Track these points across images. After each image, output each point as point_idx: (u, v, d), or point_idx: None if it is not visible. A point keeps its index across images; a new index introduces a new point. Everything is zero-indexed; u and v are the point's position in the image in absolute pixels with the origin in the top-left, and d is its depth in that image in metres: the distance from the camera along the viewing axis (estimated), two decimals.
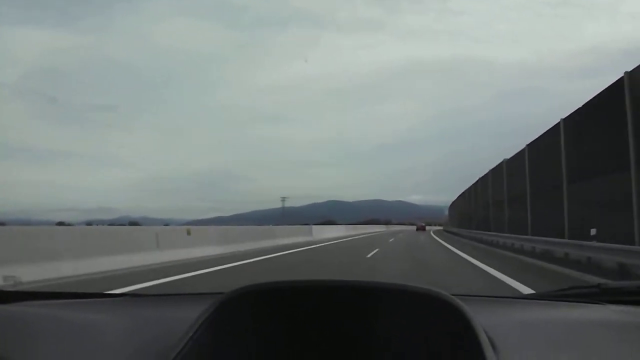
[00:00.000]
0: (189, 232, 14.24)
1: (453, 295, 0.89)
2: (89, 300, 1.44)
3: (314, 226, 30.57)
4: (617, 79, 9.38)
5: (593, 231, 9.93)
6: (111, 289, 6.65)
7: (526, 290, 7.11)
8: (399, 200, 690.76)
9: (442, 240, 28.17)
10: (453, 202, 54.60)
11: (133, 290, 7.34)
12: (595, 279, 8.83)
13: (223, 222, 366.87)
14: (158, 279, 8.58)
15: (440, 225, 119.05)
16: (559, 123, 13.02)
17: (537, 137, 15.90)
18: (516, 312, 1.21)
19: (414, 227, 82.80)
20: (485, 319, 0.90)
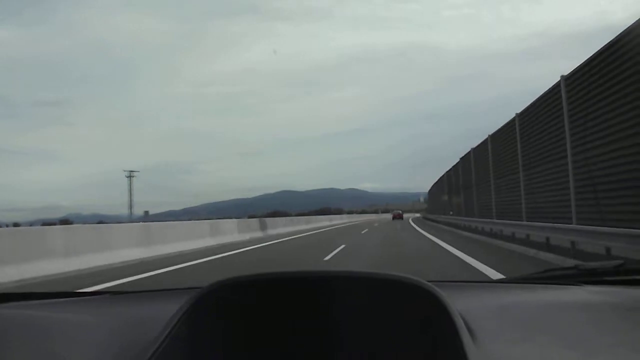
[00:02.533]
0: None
1: (428, 281, 0.89)
2: (64, 299, 1.40)
3: (267, 219, 25.76)
4: (554, 83, 11.03)
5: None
6: None
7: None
8: (352, 188, 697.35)
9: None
10: (430, 190, 55.61)
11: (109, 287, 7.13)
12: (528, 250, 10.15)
13: (174, 216, 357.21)
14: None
15: (387, 212, 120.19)
16: (514, 118, 14.78)
17: (497, 129, 17.48)
18: (492, 296, 1.21)
19: (373, 217, 79.50)
20: (461, 304, 0.91)
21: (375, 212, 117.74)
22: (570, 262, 7.35)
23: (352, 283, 0.89)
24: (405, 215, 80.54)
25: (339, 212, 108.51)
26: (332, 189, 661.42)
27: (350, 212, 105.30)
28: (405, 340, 0.83)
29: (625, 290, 1.21)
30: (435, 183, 43.55)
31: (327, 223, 39.74)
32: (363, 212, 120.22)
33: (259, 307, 0.89)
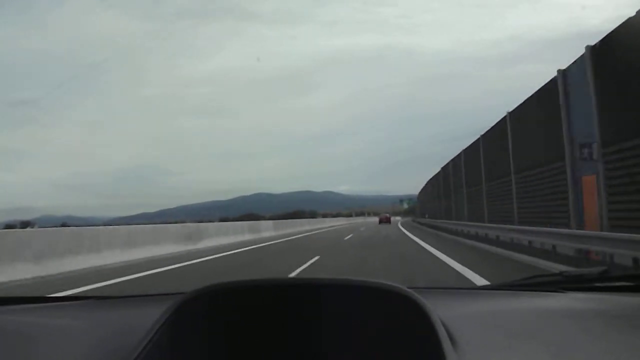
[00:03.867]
0: None
1: (410, 288, 0.88)
2: (46, 304, 1.38)
3: (209, 224, 21.10)
4: (550, 79, 10.60)
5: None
6: None
7: None
8: (328, 191, 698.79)
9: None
10: (419, 194, 54.66)
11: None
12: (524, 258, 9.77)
13: (148, 218, 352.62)
14: None
15: (369, 214, 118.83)
16: (505, 117, 14.38)
17: (488, 129, 17.11)
18: (476, 303, 1.19)
19: (346, 223, 63.47)
20: (443, 312, 0.90)
21: (349, 215, 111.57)
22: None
23: (335, 290, 0.88)
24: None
25: (312, 215, 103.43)
26: (307, 191, 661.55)
27: (324, 216, 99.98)
28: (386, 348, 0.82)
29: (609, 297, 1.22)
30: (430, 182, 42.12)
31: (299, 228, 33.46)
32: (338, 214, 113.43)
33: (242, 314, 0.88)
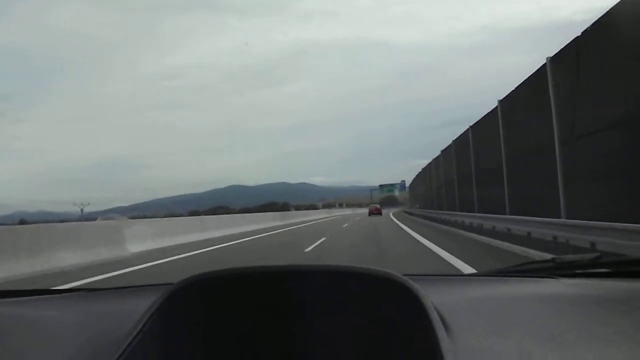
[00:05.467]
0: None
1: (404, 275, 0.88)
2: (36, 297, 1.36)
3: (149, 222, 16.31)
4: (540, 66, 10.35)
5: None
6: None
7: None
8: (303, 182, 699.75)
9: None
10: (411, 184, 52.53)
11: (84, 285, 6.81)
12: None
13: (123, 212, 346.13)
14: None
15: (341, 205, 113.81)
16: (496, 107, 14.07)
17: (479, 119, 16.60)
18: (468, 289, 1.19)
19: (324, 216, 48.58)
20: (436, 298, 0.90)
21: (317, 207, 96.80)
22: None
23: (326, 277, 0.88)
24: (360, 211, 63.85)
25: (284, 207, 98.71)
26: (283, 183, 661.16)
27: (297, 208, 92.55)
28: (379, 335, 0.82)
29: (601, 283, 1.22)
30: (416, 178, 39.85)
31: (263, 226, 25.20)
32: (312, 207, 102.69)
33: (231, 302, 0.88)
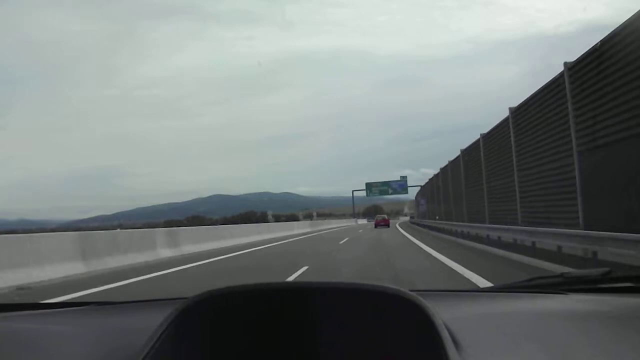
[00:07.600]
0: None
1: (413, 291, 0.87)
2: (47, 311, 1.38)
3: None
4: (558, 74, 9.72)
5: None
6: None
7: None
8: (286, 192, 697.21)
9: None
10: (418, 194, 51.96)
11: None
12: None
13: (105, 220, 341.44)
14: None
15: (324, 217, 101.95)
16: (507, 117, 13.44)
17: (490, 128, 15.96)
18: (478, 305, 1.19)
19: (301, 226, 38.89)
20: (446, 314, 0.89)
21: (298, 218, 79.66)
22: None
23: (337, 294, 0.88)
24: (344, 225, 52.73)
25: (263, 218, 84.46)
26: (266, 192, 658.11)
27: (278, 219, 73.62)
28: (389, 352, 0.82)
29: (611, 299, 1.21)
30: (422, 188, 37.67)
31: (227, 243, 18.20)
32: (292, 217, 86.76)
33: (244, 318, 0.87)
